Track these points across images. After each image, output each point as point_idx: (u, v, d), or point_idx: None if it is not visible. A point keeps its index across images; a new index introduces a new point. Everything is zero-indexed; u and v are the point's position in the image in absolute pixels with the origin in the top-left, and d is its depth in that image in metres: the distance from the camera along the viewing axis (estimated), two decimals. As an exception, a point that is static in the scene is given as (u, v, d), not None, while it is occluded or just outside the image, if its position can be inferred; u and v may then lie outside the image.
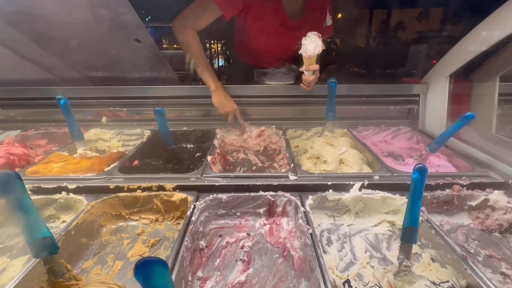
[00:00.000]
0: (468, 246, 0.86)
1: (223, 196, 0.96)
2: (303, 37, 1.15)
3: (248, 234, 0.94)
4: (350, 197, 0.95)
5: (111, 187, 0.98)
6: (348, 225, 0.96)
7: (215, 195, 0.96)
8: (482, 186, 0.98)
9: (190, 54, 1.37)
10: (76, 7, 1.09)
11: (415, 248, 0.82)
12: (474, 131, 1.29)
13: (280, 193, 0.97)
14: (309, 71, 1.23)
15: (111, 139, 1.49)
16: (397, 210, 0.95)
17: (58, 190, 0.97)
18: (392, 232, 0.93)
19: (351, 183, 0.97)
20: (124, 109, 1.59)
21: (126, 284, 0.70)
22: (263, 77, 1.58)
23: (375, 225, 0.96)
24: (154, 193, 0.98)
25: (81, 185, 0.99)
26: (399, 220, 0.92)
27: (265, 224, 0.98)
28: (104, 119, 1.57)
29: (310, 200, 0.94)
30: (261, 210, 0.99)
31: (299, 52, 1.17)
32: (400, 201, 0.94)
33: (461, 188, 0.97)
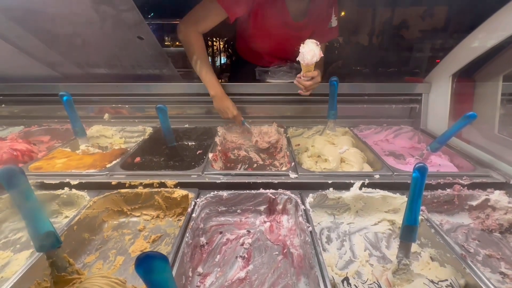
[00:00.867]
0: (468, 246, 0.86)
1: (224, 194, 0.97)
2: (301, 44, 1.14)
3: (248, 231, 0.95)
4: (350, 195, 0.96)
5: (113, 183, 0.99)
6: (348, 224, 0.96)
7: (216, 192, 0.97)
8: (483, 186, 0.98)
9: (192, 56, 1.37)
10: (79, 4, 1.09)
11: (414, 247, 0.82)
12: (476, 130, 1.29)
13: (280, 191, 0.97)
14: (307, 77, 1.24)
15: (113, 135, 1.50)
16: (397, 209, 0.95)
17: (61, 185, 0.98)
18: (392, 231, 0.93)
19: (352, 181, 0.97)
20: (126, 106, 1.60)
21: (128, 279, 0.71)
22: (264, 75, 1.58)
23: (375, 224, 0.96)
24: (156, 189, 0.98)
25: (83, 181, 1.00)
26: (399, 219, 0.93)
27: (265, 222, 0.98)
28: (106, 115, 1.58)
29: (310, 198, 0.94)
30: (262, 208, 1.00)
31: (297, 59, 1.17)
32: (401, 200, 0.94)
33: (461, 188, 0.97)
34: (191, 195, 0.95)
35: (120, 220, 1.00)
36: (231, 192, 0.97)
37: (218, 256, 0.85)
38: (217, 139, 1.36)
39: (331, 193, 0.97)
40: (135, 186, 0.99)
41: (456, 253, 0.72)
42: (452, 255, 0.73)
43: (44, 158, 1.16)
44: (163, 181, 0.99)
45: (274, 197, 0.97)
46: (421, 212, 0.83)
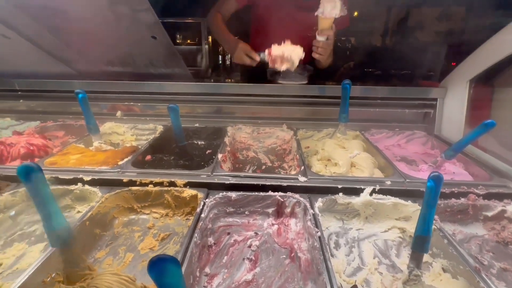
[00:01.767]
0: (481, 258, 0.84)
1: (233, 195, 0.97)
2: None
3: (256, 233, 0.95)
4: (360, 201, 0.94)
5: (124, 180, 1.01)
6: (357, 230, 0.95)
7: (224, 193, 0.97)
8: (499, 197, 0.95)
9: (214, 31, 1.76)
10: (97, 5, 1.11)
11: (425, 257, 0.80)
12: (494, 138, 1.24)
13: (289, 194, 0.97)
14: (323, 35, 1.22)
15: (125, 132, 1.53)
16: (409, 217, 0.93)
17: (74, 181, 1.01)
18: (402, 239, 0.91)
19: (362, 187, 0.96)
20: (139, 104, 1.63)
21: (136, 276, 0.72)
22: (276, 76, 1.58)
23: (385, 231, 0.94)
24: (166, 188, 1.00)
25: (96, 177, 1.02)
26: (410, 227, 0.91)
27: (273, 224, 0.98)
28: (119, 113, 1.61)
29: (319, 202, 0.94)
30: (270, 210, 1.00)
31: (315, 13, 1.17)
32: (412, 208, 0.92)
33: (476, 197, 0.95)
34: (200, 195, 0.96)
35: (130, 217, 1.01)
36: (239, 193, 0.98)
37: (226, 257, 0.85)
38: (226, 140, 1.36)
39: (340, 198, 0.96)
40: (145, 184, 1.00)
41: (469, 265, 0.70)
42: (465, 267, 0.71)
43: (59, 154, 1.19)
44: (173, 180, 1.00)
45: (282, 200, 0.97)
46: (434, 222, 0.81)
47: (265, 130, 1.55)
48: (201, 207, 0.91)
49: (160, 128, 1.54)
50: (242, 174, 1.05)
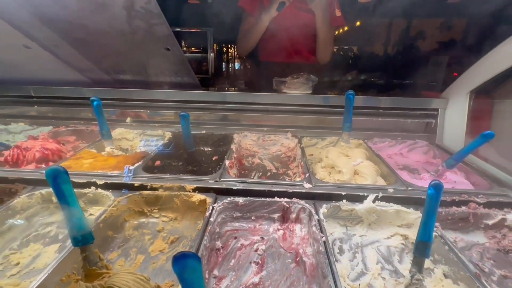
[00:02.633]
0: (482, 265, 0.86)
1: (240, 200, 1.01)
2: None
3: (262, 237, 0.98)
4: (363, 208, 0.97)
5: (135, 185, 1.05)
6: (360, 236, 0.97)
7: (232, 198, 1.01)
8: (499, 205, 0.98)
9: (253, 34, 1.82)
10: (115, 18, 1.18)
11: (427, 263, 0.83)
12: (494, 148, 1.27)
13: (294, 200, 1.00)
14: None
15: (134, 138, 1.58)
16: (411, 224, 0.96)
17: (88, 185, 1.05)
18: (405, 246, 0.94)
19: (365, 194, 0.99)
20: (148, 111, 1.68)
21: (148, 277, 0.75)
22: (281, 86, 1.63)
23: (388, 238, 0.97)
24: (175, 193, 1.03)
25: (108, 181, 1.06)
26: (412, 234, 0.93)
27: (278, 229, 1.01)
28: (128, 119, 1.66)
29: (324, 208, 0.97)
30: (275, 216, 1.03)
31: None
32: (414, 215, 0.95)
33: (477, 206, 0.97)
34: (209, 200, 1.00)
35: (140, 220, 1.05)
36: (246, 198, 1.01)
37: (233, 261, 0.88)
38: (233, 147, 1.40)
39: (344, 204, 0.99)
40: (156, 189, 1.04)
41: (470, 272, 0.72)
42: (466, 273, 0.73)
43: (72, 158, 1.24)
44: (182, 185, 1.04)
45: (288, 206, 1.00)
46: (435, 229, 0.84)
47: (270, 138, 1.59)
48: (210, 211, 0.94)
49: (168, 134, 1.58)
50: (249, 180, 1.09)
